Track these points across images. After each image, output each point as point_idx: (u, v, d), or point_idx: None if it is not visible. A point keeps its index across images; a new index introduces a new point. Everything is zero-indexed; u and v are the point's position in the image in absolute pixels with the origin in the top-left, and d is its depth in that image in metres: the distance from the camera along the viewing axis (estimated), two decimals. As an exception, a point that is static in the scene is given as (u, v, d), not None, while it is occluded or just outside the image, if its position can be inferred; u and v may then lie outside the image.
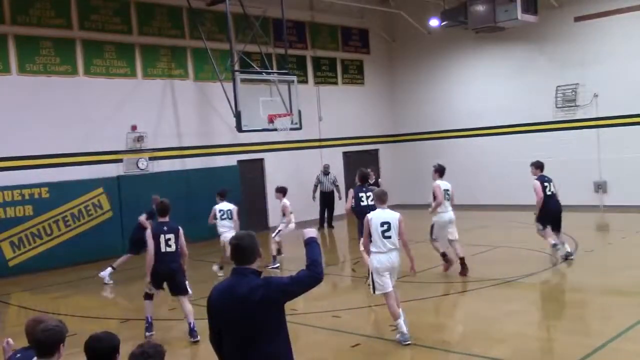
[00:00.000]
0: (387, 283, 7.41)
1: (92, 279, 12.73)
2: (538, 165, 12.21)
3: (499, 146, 19.95)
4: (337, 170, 19.66)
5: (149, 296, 8.38)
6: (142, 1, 16.06)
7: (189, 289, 8.17)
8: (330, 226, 18.24)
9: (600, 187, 18.01)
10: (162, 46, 16.48)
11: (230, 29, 15.67)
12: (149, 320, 8.26)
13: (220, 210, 12.12)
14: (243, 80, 15.16)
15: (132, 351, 3.54)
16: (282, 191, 12.70)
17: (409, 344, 7.19)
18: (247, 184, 17.54)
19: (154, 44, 16.31)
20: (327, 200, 18.06)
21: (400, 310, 7.48)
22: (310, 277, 3.88)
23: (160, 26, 16.45)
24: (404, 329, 7.26)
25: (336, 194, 18.20)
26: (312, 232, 4.14)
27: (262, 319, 3.77)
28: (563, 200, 19.55)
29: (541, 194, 11.54)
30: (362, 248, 9.08)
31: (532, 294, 9.54)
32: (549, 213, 11.48)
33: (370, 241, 7.58)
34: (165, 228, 8.10)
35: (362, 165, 19.66)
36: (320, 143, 20.10)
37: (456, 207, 13.55)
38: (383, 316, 8.38)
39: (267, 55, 17.10)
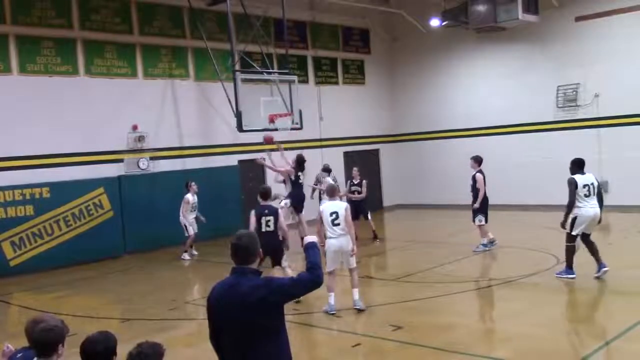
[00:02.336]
0: (332, 265, 8.78)
1: (92, 279, 12.76)
2: (478, 160, 12.86)
3: (500, 146, 19.93)
4: (338, 170, 19.66)
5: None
6: (143, 1, 16.06)
7: (284, 263, 9.43)
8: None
9: (601, 187, 17.96)
10: (162, 46, 16.48)
11: (231, 28, 15.65)
12: None
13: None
14: (244, 80, 15.16)
15: (129, 351, 3.53)
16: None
17: (333, 314, 8.60)
18: (248, 184, 17.53)
19: (154, 44, 16.31)
20: None
21: (356, 290, 8.78)
22: (311, 280, 3.91)
23: (161, 26, 16.46)
24: (332, 300, 8.66)
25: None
26: (312, 237, 4.24)
27: (261, 318, 3.77)
28: (564, 200, 19.48)
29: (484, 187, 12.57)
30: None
31: (533, 294, 9.52)
32: (487, 206, 12.69)
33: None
34: (266, 211, 9.20)
35: (363, 165, 19.78)
36: (321, 143, 20.10)
37: (457, 207, 13.60)
38: (383, 316, 8.39)
39: (267, 55, 17.10)
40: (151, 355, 3.49)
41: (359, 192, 15.01)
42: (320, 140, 20.07)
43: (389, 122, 22.54)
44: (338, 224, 8.63)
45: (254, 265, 3.94)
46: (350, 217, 8.76)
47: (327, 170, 16.02)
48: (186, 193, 14.19)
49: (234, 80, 14.98)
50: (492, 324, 8.13)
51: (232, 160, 17.66)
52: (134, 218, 15.14)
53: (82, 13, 14.97)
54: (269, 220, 9.10)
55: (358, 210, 14.25)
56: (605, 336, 7.08)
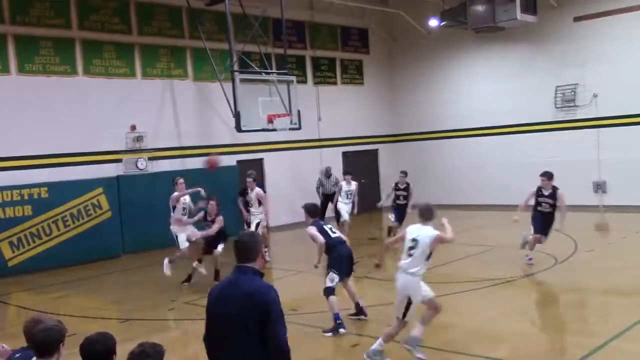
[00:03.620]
0: (396, 307, 6.73)
1: (91, 279, 12.73)
2: (550, 175, 11.67)
3: (499, 146, 19.95)
4: (337, 170, 19.63)
5: (332, 291, 8.15)
6: (142, 1, 16.04)
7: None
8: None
9: (600, 187, 18.01)
10: (161, 46, 16.46)
11: (230, 29, 15.65)
12: (339, 317, 8.05)
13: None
14: (242, 80, 15.15)
15: (131, 350, 3.53)
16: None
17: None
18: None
19: (153, 44, 16.29)
20: (329, 202, 17.96)
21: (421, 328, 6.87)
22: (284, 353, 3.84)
23: (160, 26, 16.44)
24: (377, 346, 6.73)
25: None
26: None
27: (260, 318, 3.80)
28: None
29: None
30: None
31: (532, 294, 9.53)
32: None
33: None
34: (321, 222, 8.73)
35: (363, 165, 19.73)
36: (320, 143, 20.09)
37: (457, 207, 13.51)
38: (383, 316, 8.37)
39: (266, 55, 17.10)
40: (152, 354, 3.50)
41: (405, 197, 14.21)
42: (319, 140, 20.06)
43: (387, 122, 22.54)
44: (412, 255, 6.58)
45: (256, 265, 4.00)
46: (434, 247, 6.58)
47: (348, 173, 15.56)
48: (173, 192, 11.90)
49: (233, 80, 14.97)
50: (491, 323, 8.12)
51: (231, 160, 17.64)
52: (132, 218, 15.11)
53: (80, 13, 14.95)
54: (331, 227, 8.63)
55: (402, 215, 13.94)
56: (604, 336, 7.07)
